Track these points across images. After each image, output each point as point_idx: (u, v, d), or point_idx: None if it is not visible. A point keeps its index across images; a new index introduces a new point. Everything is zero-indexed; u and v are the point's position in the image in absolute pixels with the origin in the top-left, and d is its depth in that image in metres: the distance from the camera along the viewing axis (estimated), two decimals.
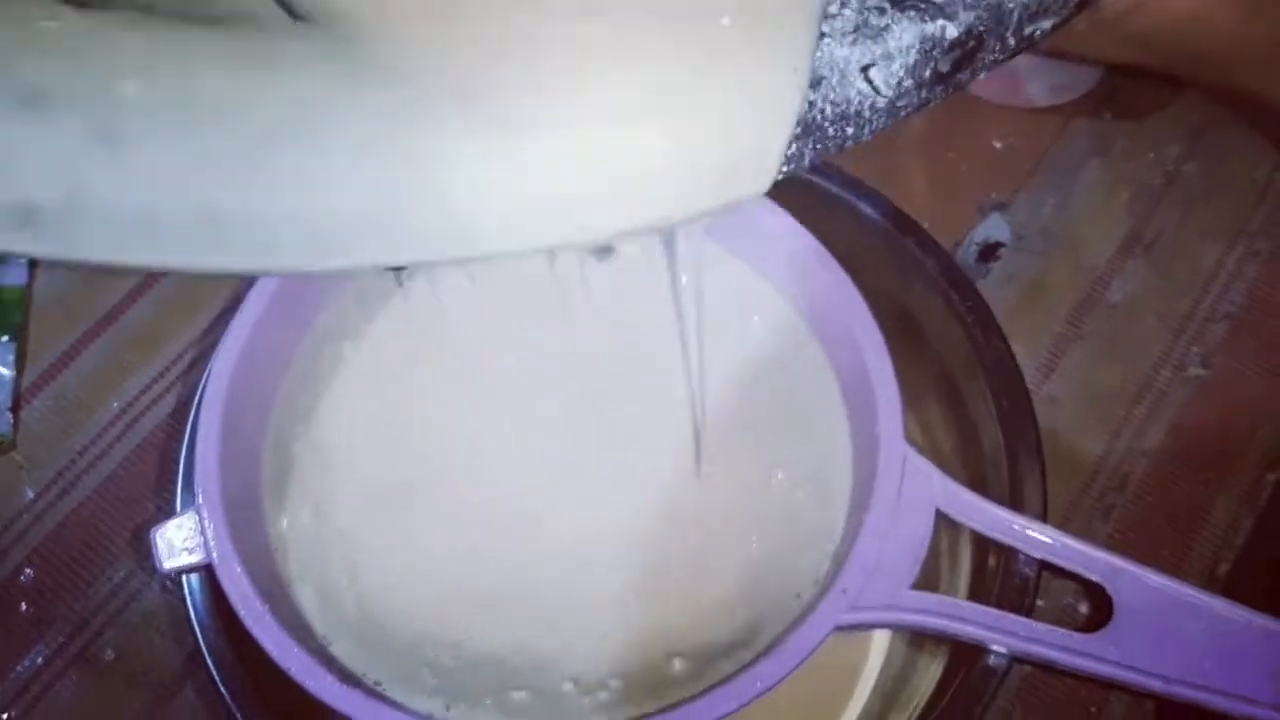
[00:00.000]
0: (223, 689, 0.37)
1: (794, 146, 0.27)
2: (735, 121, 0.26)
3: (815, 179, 0.46)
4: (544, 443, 0.42)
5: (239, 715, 0.37)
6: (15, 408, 0.54)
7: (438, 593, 0.40)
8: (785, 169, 0.27)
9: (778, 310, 0.42)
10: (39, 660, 0.49)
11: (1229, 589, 0.49)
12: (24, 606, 0.50)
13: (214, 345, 0.41)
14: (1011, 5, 0.27)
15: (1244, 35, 0.35)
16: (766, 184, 0.27)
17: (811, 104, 0.27)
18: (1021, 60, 0.59)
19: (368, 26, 0.25)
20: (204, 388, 0.39)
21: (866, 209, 0.45)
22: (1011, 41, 0.28)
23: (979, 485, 0.42)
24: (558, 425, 0.42)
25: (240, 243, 0.25)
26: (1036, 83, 0.59)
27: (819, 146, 0.27)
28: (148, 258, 0.25)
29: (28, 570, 0.51)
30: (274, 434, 0.41)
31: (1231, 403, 0.54)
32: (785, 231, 0.40)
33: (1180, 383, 0.54)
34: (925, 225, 0.58)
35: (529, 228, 0.26)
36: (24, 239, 0.24)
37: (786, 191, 0.42)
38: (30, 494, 0.52)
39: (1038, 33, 0.28)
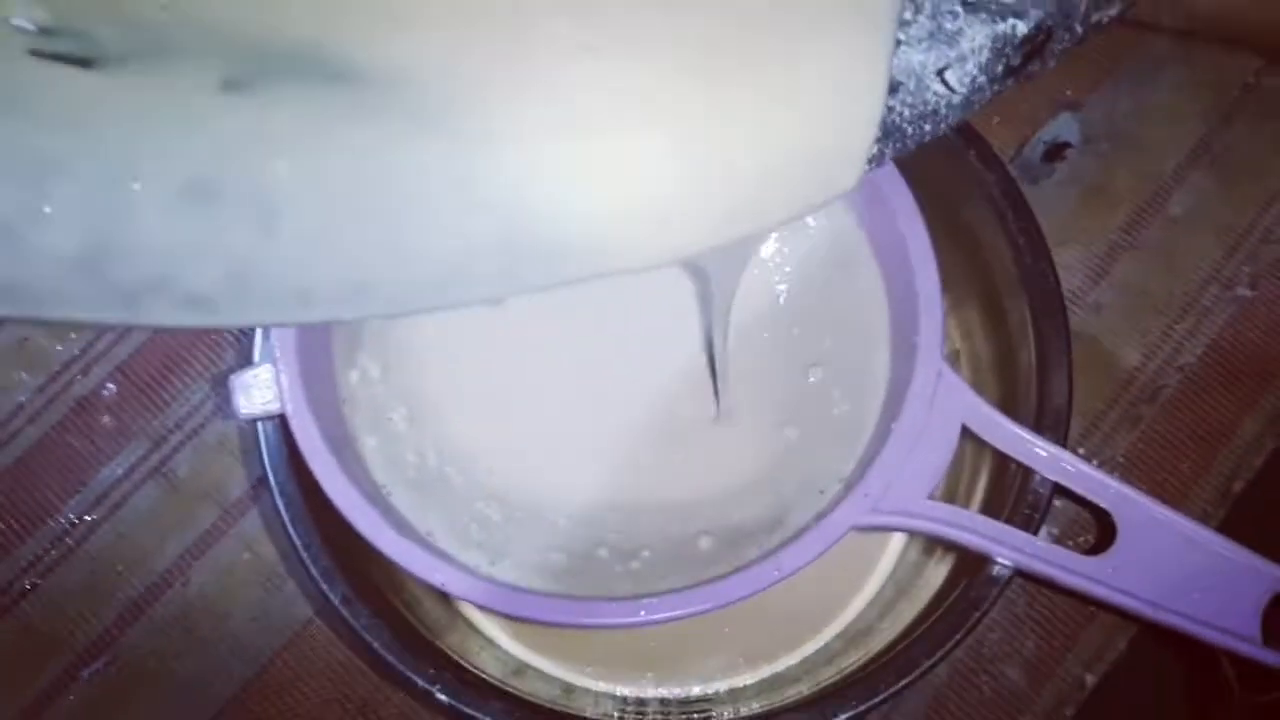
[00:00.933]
0: (290, 528, 0.41)
1: (875, 148, 0.28)
2: (819, 138, 0.27)
3: None
4: (590, 318, 0.44)
5: (302, 547, 0.41)
6: None
7: (490, 450, 0.43)
8: (867, 169, 0.28)
9: (836, 213, 0.44)
10: (119, 471, 0.53)
11: (1239, 506, 0.51)
12: (106, 419, 0.54)
13: None
14: None
15: None
16: (851, 185, 0.28)
17: (890, 109, 0.28)
18: None
19: (435, 84, 0.26)
20: None
21: None
22: (1080, 30, 0.29)
23: (1009, 398, 0.45)
24: (607, 310, 0.44)
25: (382, 299, 0.27)
26: None
27: (899, 145, 0.28)
28: (300, 319, 0.27)
29: (110, 385, 0.54)
30: None
31: (1272, 326, 0.55)
32: None
33: (1226, 301, 0.55)
34: (995, 120, 0.58)
35: (633, 248, 0.27)
36: (187, 318, 0.26)
37: None
38: None
39: (1104, 19, 0.29)
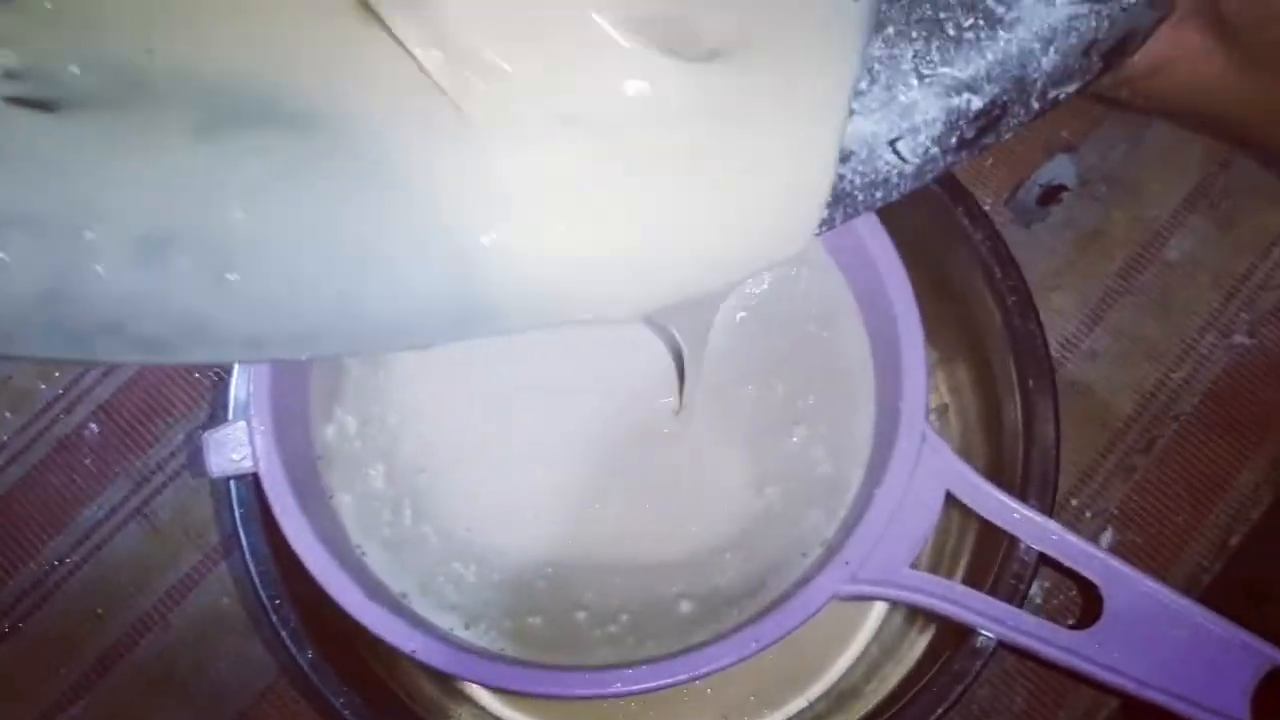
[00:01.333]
0: (260, 590, 0.40)
1: (825, 212, 0.28)
2: (769, 204, 0.27)
3: None
4: (570, 376, 0.43)
5: (271, 610, 0.40)
6: None
7: (469, 507, 0.42)
8: (817, 232, 0.28)
9: (823, 268, 0.43)
10: (100, 512, 0.53)
11: (1235, 560, 0.51)
12: (88, 460, 0.53)
13: None
14: (1035, 76, 0.27)
15: (1263, 103, 0.34)
16: (797, 250, 0.28)
17: (842, 176, 0.27)
18: None
19: (392, 137, 0.26)
20: None
21: None
22: (1036, 106, 0.28)
23: (996, 456, 0.44)
24: (589, 362, 0.44)
25: (332, 345, 0.27)
26: None
27: (850, 210, 0.28)
28: (251, 359, 0.27)
29: (92, 425, 0.54)
30: None
31: (1271, 375, 0.54)
32: None
33: (1223, 349, 0.54)
34: (989, 162, 0.58)
35: (585, 305, 0.27)
36: (140, 357, 0.26)
37: None
38: None
39: (1061, 96, 0.28)
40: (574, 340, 0.44)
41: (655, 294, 0.27)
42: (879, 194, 0.28)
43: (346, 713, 0.39)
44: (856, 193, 0.27)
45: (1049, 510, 0.41)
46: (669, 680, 0.36)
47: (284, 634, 0.40)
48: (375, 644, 0.40)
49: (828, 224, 0.28)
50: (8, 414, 0.54)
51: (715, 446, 0.42)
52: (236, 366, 0.41)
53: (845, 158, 0.27)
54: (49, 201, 0.24)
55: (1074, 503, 0.52)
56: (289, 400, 0.40)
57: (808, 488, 0.41)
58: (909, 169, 0.27)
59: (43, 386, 0.54)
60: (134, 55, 0.26)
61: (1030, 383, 0.42)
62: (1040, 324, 0.43)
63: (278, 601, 0.40)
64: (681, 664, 0.36)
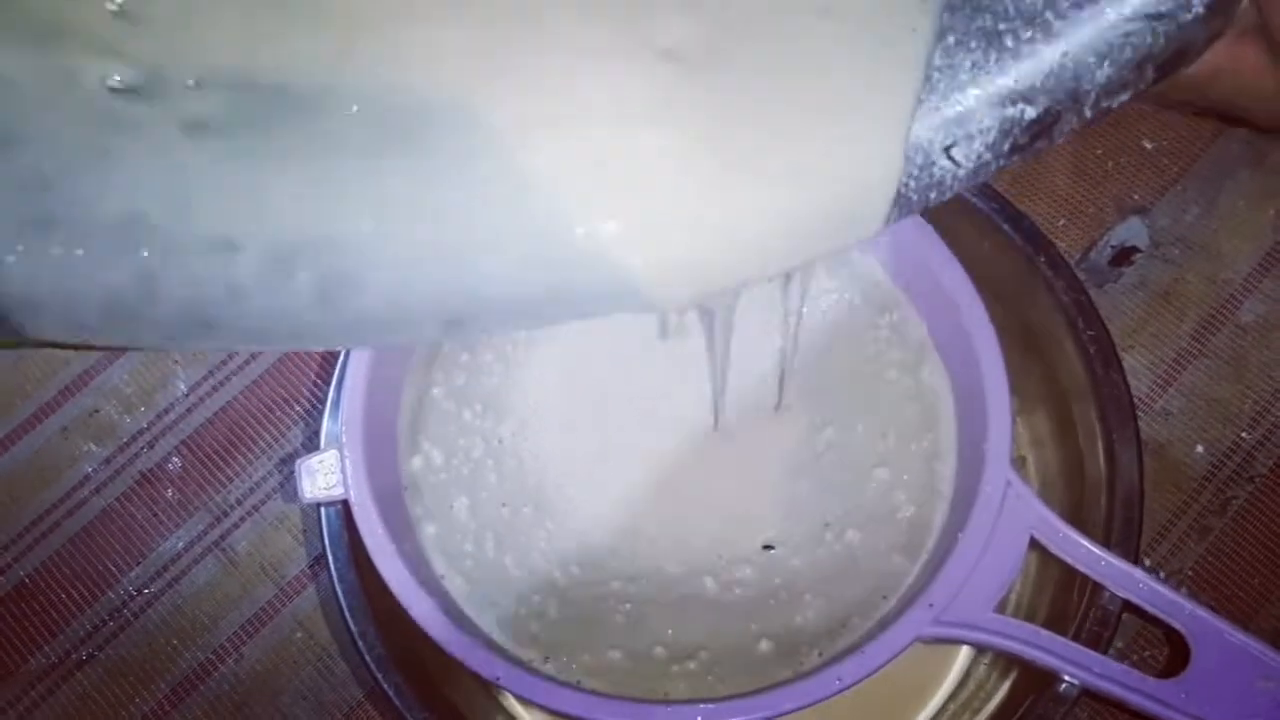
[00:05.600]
0: (347, 614, 0.41)
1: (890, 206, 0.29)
2: (842, 202, 0.28)
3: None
4: (654, 417, 0.44)
5: (358, 634, 0.41)
6: None
7: (549, 541, 0.43)
8: (881, 227, 0.29)
9: (905, 313, 0.44)
10: (179, 544, 0.54)
11: None
12: (169, 492, 0.54)
13: None
14: (1089, 87, 0.28)
15: None
16: (873, 233, 0.29)
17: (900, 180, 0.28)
18: None
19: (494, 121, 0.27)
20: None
21: (1004, 224, 0.45)
22: (1089, 114, 0.29)
23: (1078, 507, 0.44)
24: (666, 404, 0.44)
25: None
26: None
27: (904, 210, 0.29)
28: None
29: (175, 459, 0.55)
30: (415, 379, 0.44)
31: None
32: (923, 241, 0.41)
33: None
34: (1061, 222, 0.58)
35: (664, 290, 0.28)
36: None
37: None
38: (184, 388, 0.56)
39: (1114, 104, 0.29)
40: (653, 378, 0.45)
41: (731, 273, 0.28)
42: (933, 195, 0.29)
43: None
44: (912, 195, 0.28)
45: (1134, 558, 0.40)
46: (752, 717, 0.36)
47: (369, 659, 0.40)
48: (453, 676, 0.41)
49: (886, 221, 0.29)
50: (93, 446, 0.55)
51: (794, 487, 0.43)
52: (330, 398, 0.42)
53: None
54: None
55: (1147, 563, 0.51)
56: (378, 431, 0.41)
57: (889, 530, 0.42)
58: (962, 173, 0.28)
59: (127, 420, 0.56)
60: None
61: (1113, 433, 0.42)
62: (1123, 372, 0.43)
63: (364, 628, 0.40)
64: (764, 701, 0.36)
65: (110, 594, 0.53)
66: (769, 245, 0.28)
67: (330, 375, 0.47)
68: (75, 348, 0.28)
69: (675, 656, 0.40)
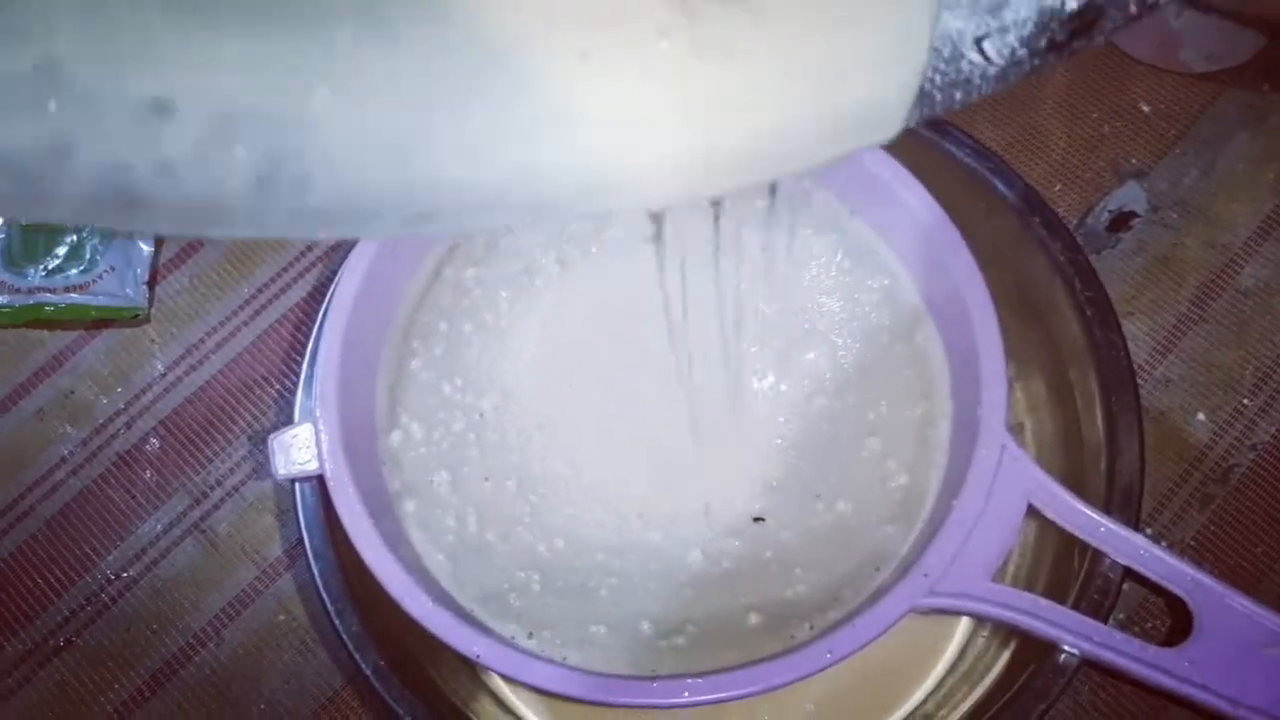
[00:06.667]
0: (324, 594, 0.39)
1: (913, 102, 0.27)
2: (857, 94, 0.27)
3: (950, 147, 0.45)
4: (638, 387, 0.43)
5: (334, 614, 0.40)
6: (152, 282, 0.56)
7: (534, 515, 0.42)
8: (900, 129, 0.27)
9: (897, 277, 0.42)
10: (158, 527, 0.52)
11: None
12: (148, 474, 0.53)
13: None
14: None
15: None
16: (891, 135, 0.27)
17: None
18: (1180, 23, 0.57)
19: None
20: (328, 306, 0.40)
21: (998, 184, 0.44)
22: (1133, 10, 0.27)
23: (1076, 474, 0.43)
24: (651, 372, 0.43)
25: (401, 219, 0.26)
26: (1194, 48, 0.56)
27: (927, 109, 0.27)
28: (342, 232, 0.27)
29: (153, 440, 0.54)
30: (393, 351, 0.43)
31: None
32: (915, 201, 0.40)
33: None
34: (1057, 187, 0.57)
35: (666, 182, 0.26)
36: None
37: (919, 157, 0.42)
38: (160, 367, 0.55)
39: (1162, 1, 0.27)
40: (639, 347, 0.44)
41: (739, 169, 0.26)
42: (959, 94, 0.27)
43: None
44: (936, 92, 0.27)
45: (1134, 524, 0.39)
46: (739, 692, 0.35)
47: (347, 639, 0.39)
48: (436, 655, 0.40)
49: (906, 120, 0.27)
50: (69, 428, 0.54)
51: (784, 457, 0.41)
52: (304, 371, 0.41)
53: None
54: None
55: (1148, 532, 0.50)
56: (355, 404, 0.40)
57: (882, 500, 0.40)
58: (993, 70, 0.27)
59: (104, 400, 0.54)
60: None
61: (1112, 396, 0.41)
62: (1122, 334, 0.42)
63: (340, 606, 0.39)
64: (752, 674, 0.35)
65: (88, 578, 0.52)
66: (772, 143, 0.26)
67: (305, 347, 0.46)
68: None
69: (662, 631, 0.39)
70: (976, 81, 0.27)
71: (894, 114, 0.28)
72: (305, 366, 0.43)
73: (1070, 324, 0.43)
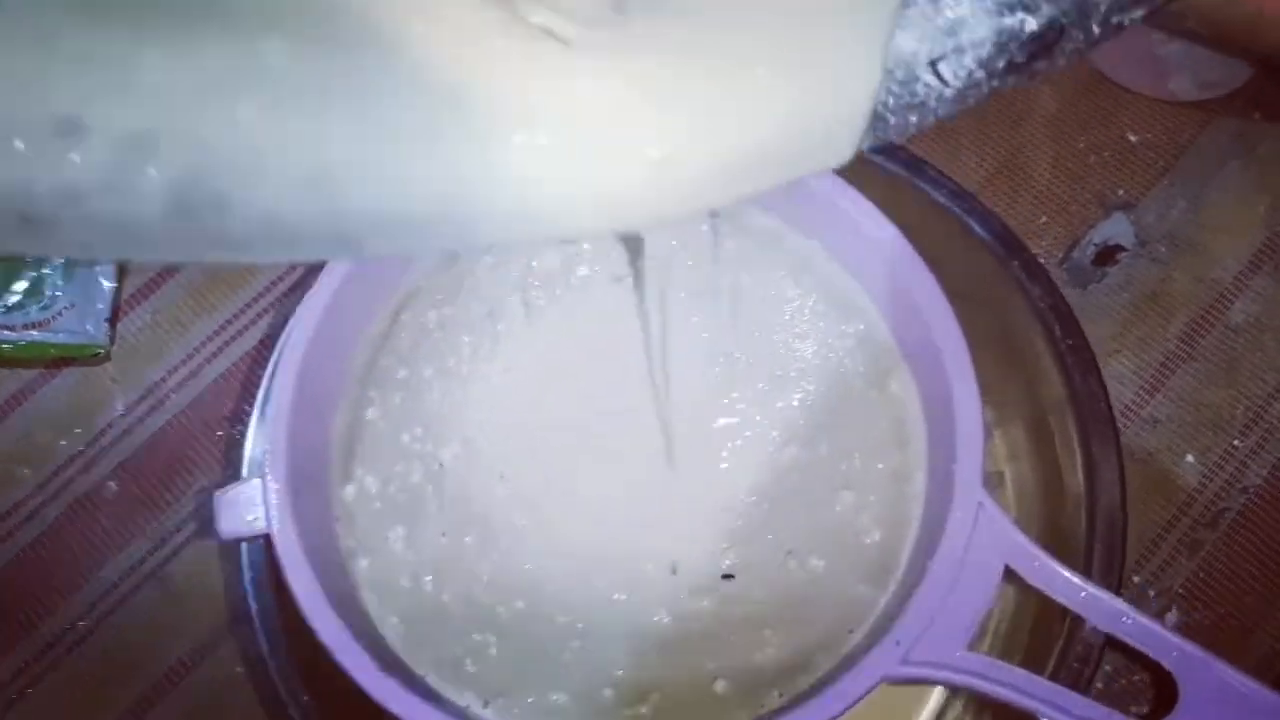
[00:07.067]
0: (269, 664, 0.38)
1: (865, 124, 0.26)
2: (808, 117, 0.25)
3: (925, 187, 0.44)
4: (604, 436, 0.42)
5: (279, 680, 0.38)
6: (114, 319, 0.54)
7: (493, 573, 0.40)
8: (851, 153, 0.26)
9: (871, 322, 0.41)
10: (115, 574, 0.51)
11: None
12: (105, 520, 0.52)
13: (313, 270, 0.40)
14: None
15: None
16: (842, 160, 0.26)
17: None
18: (1169, 50, 0.55)
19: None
20: (279, 355, 0.39)
21: (975, 225, 0.43)
22: (1096, 31, 0.26)
23: (1057, 526, 0.41)
24: (617, 420, 0.42)
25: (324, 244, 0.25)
26: (1182, 76, 0.55)
27: (880, 133, 0.26)
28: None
29: (111, 483, 0.52)
30: (348, 400, 0.41)
31: None
32: (887, 240, 0.39)
33: None
34: (1042, 219, 0.55)
35: (608, 210, 0.25)
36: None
37: (894, 196, 0.40)
38: (120, 408, 0.54)
39: (1125, 21, 0.26)
40: (603, 396, 0.42)
41: (684, 196, 0.25)
42: (914, 118, 0.26)
43: None
44: (889, 115, 0.25)
45: (1116, 587, 0.38)
46: None
47: (293, 712, 0.37)
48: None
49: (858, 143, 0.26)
50: (25, 470, 0.52)
51: (754, 511, 0.40)
52: (253, 425, 0.40)
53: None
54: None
55: (1136, 580, 0.48)
56: (307, 458, 0.38)
57: (855, 558, 0.39)
58: (949, 93, 0.25)
59: (62, 443, 0.53)
60: None
61: (1093, 445, 0.39)
62: (1103, 382, 0.41)
63: (288, 673, 0.38)
64: None
65: (43, 628, 0.50)
66: (723, 167, 0.25)
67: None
68: None
69: (625, 699, 0.37)
70: (932, 104, 0.26)
71: (845, 138, 0.26)
72: (256, 414, 0.41)
73: (1050, 370, 0.41)
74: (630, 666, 0.38)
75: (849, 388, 0.41)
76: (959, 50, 0.25)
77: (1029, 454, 0.45)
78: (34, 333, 0.53)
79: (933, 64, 0.26)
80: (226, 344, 0.55)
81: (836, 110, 0.26)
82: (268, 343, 0.54)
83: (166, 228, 0.24)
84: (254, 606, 0.39)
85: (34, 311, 0.53)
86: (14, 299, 0.53)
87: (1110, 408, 0.40)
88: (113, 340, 0.54)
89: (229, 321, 0.55)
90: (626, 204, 0.26)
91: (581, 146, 0.25)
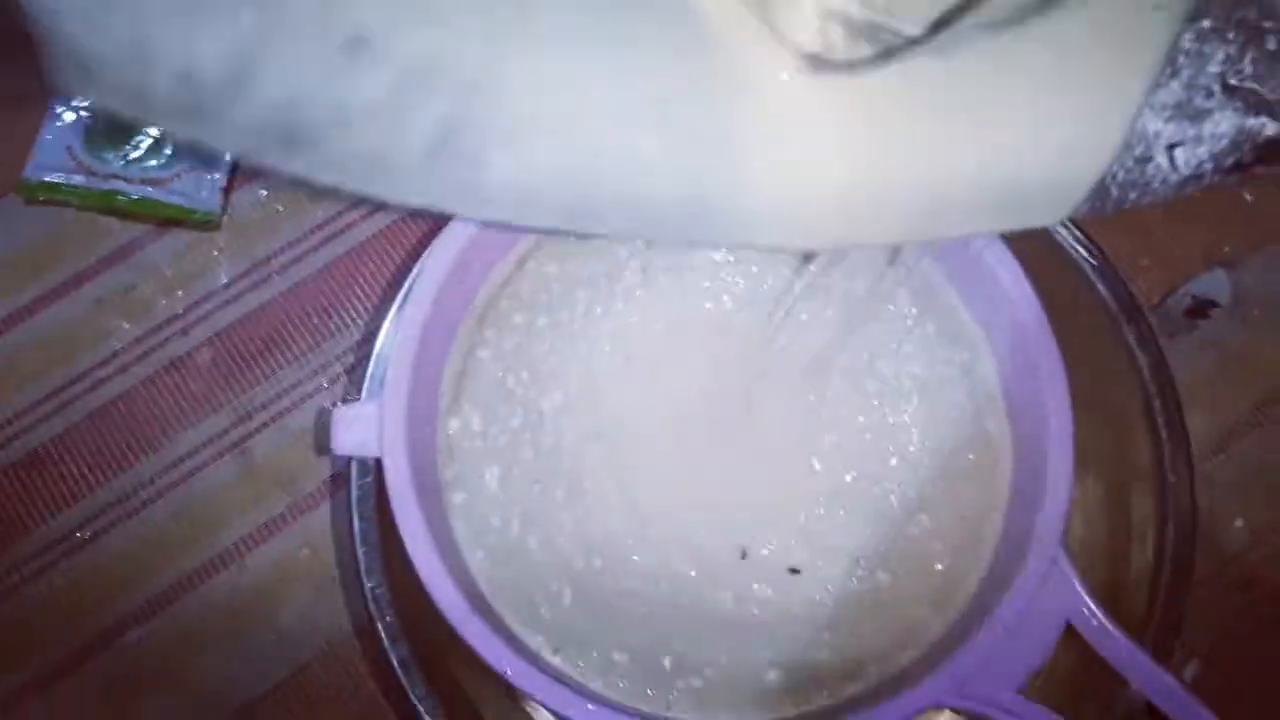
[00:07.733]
0: (364, 580, 0.40)
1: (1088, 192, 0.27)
2: (1042, 170, 0.26)
3: (1059, 232, 0.44)
4: (698, 417, 0.43)
5: (371, 601, 0.40)
6: (228, 190, 0.55)
7: (576, 527, 0.42)
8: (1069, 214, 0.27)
9: (979, 357, 0.42)
10: (198, 440, 0.53)
11: None
12: (193, 385, 0.53)
13: None
14: None
15: None
16: (1057, 219, 0.27)
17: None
18: None
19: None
20: (411, 285, 0.40)
21: (1100, 284, 0.43)
22: None
23: (1116, 590, 0.43)
24: (714, 403, 0.43)
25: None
26: None
27: (1098, 204, 0.27)
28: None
29: (205, 351, 0.54)
30: (465, 337, 0.42)
31: None
32: (1016, 294, 0.39)
33: None
34: (1145, 262, 0.56)
35: (825, 222, 0.26)
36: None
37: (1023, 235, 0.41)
38: (224, 278, 0.55)
39: None
40: (706, 376, 0.43)
41: (891, 229, 0.26)
42: (1133, 195, 0.26)
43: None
44: (1113, 187, 0.26)
45: (1168, 655, 0.39)
46: None
47: (383, 632, 0.39)
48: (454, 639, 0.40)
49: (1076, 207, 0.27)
50: (125, 323, 0.54)
51: (830, 514, 0.42)
52: (378, 346, 0.41)
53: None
54: None
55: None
56: (422, 388, 0.40)
57: (920, 581, 0.40)
58: (1174, 179, 0.26)
59: (163, 301, 0.54)
60: None
61: (1170, 533, 0.41)
62: (1192, 469, 0.42)
63: (379, 590, 0.40)
64: None
65: (118, 480, 0.52)
66: (944, 209, 0.26)
67: (378, 291, 0.45)
68: (133, 121, 0.24)
69: (681, 670, 0.39)
70: (1155, 186, 0.27)
71: (1064, 200, 0.27)
72: (381, 340, 0.43)
73: (1142, 442, 0.42)
74: (690, 639, 0.40)
75: (944, 416, 0.42)
76: (1198, 140, 0.26)
77: (1102, 514, 0.46)
78: (150, 189, 0.54)
79: (1170, 148, 0.26)
80: (336, 234, 0.56)
81: (1066, 173, 0.26)
82: (374, 243, 0.55)
83: (423, 167, 0.24)
84: (355, 525, 0.40)
85: (153, 168, 0.54)
86: (135, 153, 0.54)
87: (1195, 501, 0.41)
88: (224, 211, 0.55)
89: (340, 213, 0.56)
90: (845, 219, 0.27)
91: (815, 172, 0.26)
